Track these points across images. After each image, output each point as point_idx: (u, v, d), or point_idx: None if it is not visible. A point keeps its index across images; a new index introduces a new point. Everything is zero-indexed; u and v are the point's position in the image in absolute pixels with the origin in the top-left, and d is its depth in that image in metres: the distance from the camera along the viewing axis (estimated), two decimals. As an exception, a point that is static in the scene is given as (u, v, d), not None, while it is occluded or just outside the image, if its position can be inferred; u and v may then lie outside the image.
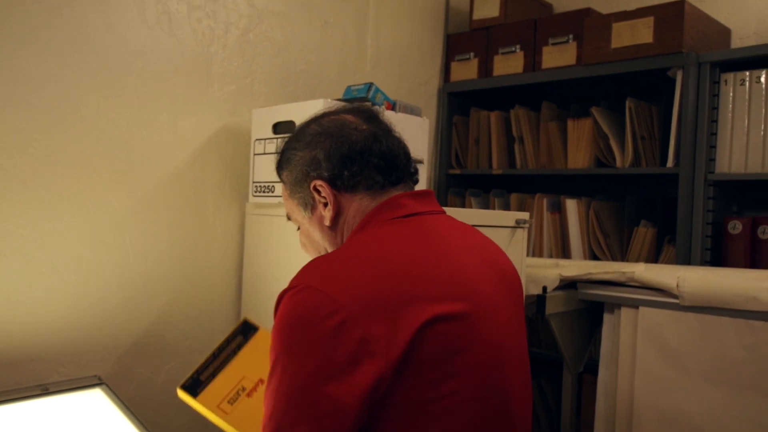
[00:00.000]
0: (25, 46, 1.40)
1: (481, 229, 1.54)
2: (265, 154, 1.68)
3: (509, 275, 1.02)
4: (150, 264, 1.63)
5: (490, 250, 1.02)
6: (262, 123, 1.70)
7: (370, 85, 1.70)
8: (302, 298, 0.83)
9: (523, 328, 1.03)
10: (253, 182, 1.72)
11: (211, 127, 1.76)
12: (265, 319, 1.67)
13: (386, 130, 1.03)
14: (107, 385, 1.40)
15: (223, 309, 1.79)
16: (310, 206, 1.02)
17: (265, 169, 1.67)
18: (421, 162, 1.08)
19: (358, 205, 0.99)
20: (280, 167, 1.07)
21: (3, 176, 1.37)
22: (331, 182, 0.98)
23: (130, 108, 1.58)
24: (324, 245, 1.04)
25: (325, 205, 1.00)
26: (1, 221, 1.37)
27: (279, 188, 1.60)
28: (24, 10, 1.39)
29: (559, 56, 2.26)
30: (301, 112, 1.59)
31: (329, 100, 1.59)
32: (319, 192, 0.99)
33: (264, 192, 1.68)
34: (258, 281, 1.75)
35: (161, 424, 1.62)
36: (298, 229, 1.10)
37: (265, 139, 1.68)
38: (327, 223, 1.00)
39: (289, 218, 1.10)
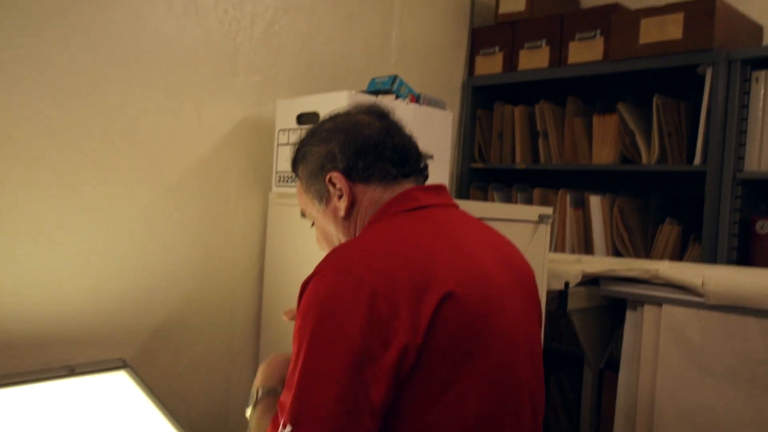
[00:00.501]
0: (54, 35, 1.42)
1: (503, 224, 1.54)
2: (288, 144, 1.69)
3: (521, 269, 1.04)
4: (173, 251, 1.66)
5: (501, 244, 1.04)
6: (286, 114, 1.71)
7: (395, 77, 1.70)
8: (330, 281, 0.85)
9: (537, 321, 1.05)
10: (277, 172, 1.74)
11: (236, 117, 1.78)
12: (286, 307, 1.68)
13: (397, 127, 1.07)
14: (131, 368, 1.43)
15: (245, 297, 1.81)
16: (324, 199, 1.05)
17: (288, 159, 1.67)
18: (430, 157, 1.11)
19: (372, 195, 1.02)
20: (296, 164, 1.12)
21: (32, 162, 1.40)
22: (346, 174, 1.02)
23: (155, 97, 1.60)
24: (338, 237, 1.06)
25: (340, 196, 1.03)
26: (29, 206, 1.40)
27: (302, 178, 1.61)
28: (53, 1, 1.41)
29: (585, 51, 2.24)
30: (325, 103, 1.60)
31: (353, 91, 1.60)
32: (334, 184, 1.03)
33: (287, 182, 1.69)
34: (280, 270, 1.76)
35: (183, 408, 1.64)
36: (313, 225, 1.13)
37: (289, 130, 1.69)
38: (341, 213, 1.03)
39: (303, 215, 1.13)
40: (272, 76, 1.85)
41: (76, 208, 1.47)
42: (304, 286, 0.88)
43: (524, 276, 1.03)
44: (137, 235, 1.58)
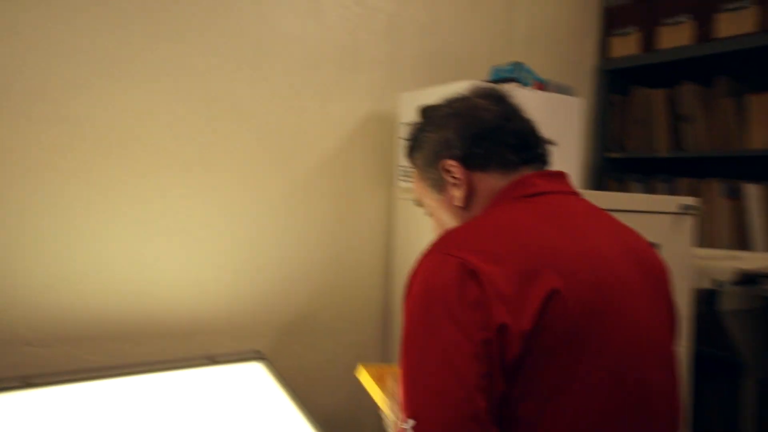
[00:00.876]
0: (187, 40, 1.57)
1: (637, 216, 1.49)
2: (411, 138, 1.74)
3: (652, 264, 0.99)
4: (302, 246, 1.77)
5: (627, 236, 1.00)
6: (408, 107, 1.76)
7: (518, 64, 1.70)
8: (435, 264, 0.86)
9: (670, 321, 0.99)
10: (400, 166, 1.80)
11: (359, 112, 1.86)
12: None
13: (516, 111, 1.06)
14: (267, 360, 1.54)
15: (372, 292, 1.90)
16: (440, 187, 1.05)
17: (411, 153, 1.73)
18: (552, 143, 1.08)
19: (490, 183, 1.01)
20: (411, 151, 1.12)
21: (175, 163, 1.56)
22: (463, 161, 1.02)
23: (281, 95, 1.72)
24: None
25: (456, 185, 1.02)
26: (172, 204, 1.57)
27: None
28: (182, 8, 1.56)
29: (736, 23, 2.10)
30: (448, 94, 1.63)
31: (475, 81, 1.62)
32: (450, 172, 1.02)
33: (410, 176, 1.74)
34: (405, 265, 1.82)
35: (314, 401, 1.74)
36: (428, 214, 1.13)
37: (412, 123, 1.74)
38: (458, 203, 1.03)
39: (419, 204, 1.14)
40: (394, 70, 1.92)
41: (214, 205, 1.62)
42: (413, 270, 0.89)
43: (655, 271, 0.99)
44: (268, 230, 1.71)
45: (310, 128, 1.78)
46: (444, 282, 0.83)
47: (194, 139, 1.59)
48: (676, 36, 2.26)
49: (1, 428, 1.15)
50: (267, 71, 1.70)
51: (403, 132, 1.78)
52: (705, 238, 2.20)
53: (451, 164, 1.02)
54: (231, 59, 1.64)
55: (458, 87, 1.62)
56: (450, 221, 1.07)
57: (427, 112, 1.13)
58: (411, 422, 0.81)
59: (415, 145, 1.11)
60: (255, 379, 1.49)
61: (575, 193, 1.03)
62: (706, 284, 1.71)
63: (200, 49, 1.59)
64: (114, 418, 1.24)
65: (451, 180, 1.03)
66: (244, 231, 1.67)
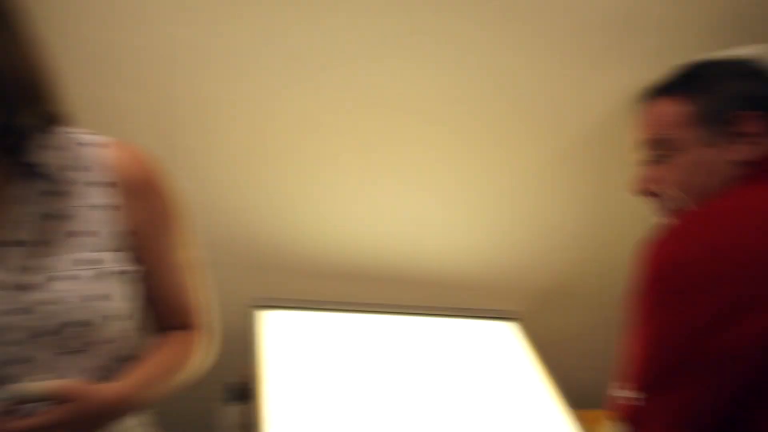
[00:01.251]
0: (450, 10, 1.68)
1: None
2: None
3: None
4: (567, 216, 1.83)
5: None
6: (690, 76, 1.68)
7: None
8: (681, 246, 0.86)
9: None
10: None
11: (628, 84, 1.81)
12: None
13: None
14: (522, 321, 1.66)
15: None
16: (714, 140, 0.98)
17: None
18: None
19: None
20: (693, 89, 1.03)
21: (446, 130, 1.74)
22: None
23: (543, 64, 1.76)
24: (702, 186, 0.98)
25: (752, 142, 0.95)
26: (432, 167, 1.75)
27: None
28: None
29: None
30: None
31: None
32: (744, 126, 0.96)
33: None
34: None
35: (564, 370, 1.78)
36: (659, 163, 1.05)
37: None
38: (740, 157, 0.95)
39: (655, 145, 1.06)
40: (677, 35, 1.82)
41: (473, 167, 1.78)
42: (651, 248, 0.89)
43: None
44: (535, 198, 1.81)
45: (576, 99, 1.80)
46: (690, 275, 0.83)
47: (458, 105, 1.74)
48: None
49: (279, 337, 1.49)
50: (528, 38, 1.74)
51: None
52: None
53: (755, 120, 0.96)
54: (491, 28, 1.72)
55: (752, 53, 1.50)
56: (704, 177, 0.99)
57: (726, 60, 1.08)
58: (640, 395, 0.84)
59: (706, 86, 1.03)
60: (506, 339, 1.61)
61: None
62: None
63: (462, 18, 1.70)
64: (369, 348, 1.50)
65: (742, 136, 0.96)
66: (510, 197, 1.80)
